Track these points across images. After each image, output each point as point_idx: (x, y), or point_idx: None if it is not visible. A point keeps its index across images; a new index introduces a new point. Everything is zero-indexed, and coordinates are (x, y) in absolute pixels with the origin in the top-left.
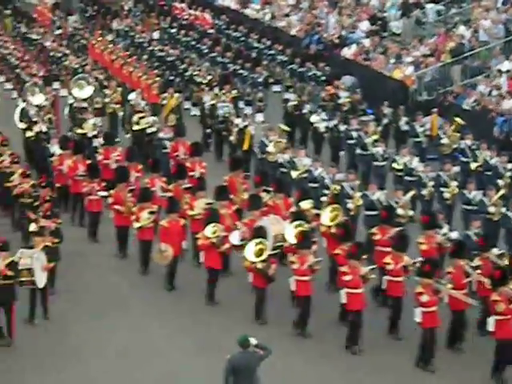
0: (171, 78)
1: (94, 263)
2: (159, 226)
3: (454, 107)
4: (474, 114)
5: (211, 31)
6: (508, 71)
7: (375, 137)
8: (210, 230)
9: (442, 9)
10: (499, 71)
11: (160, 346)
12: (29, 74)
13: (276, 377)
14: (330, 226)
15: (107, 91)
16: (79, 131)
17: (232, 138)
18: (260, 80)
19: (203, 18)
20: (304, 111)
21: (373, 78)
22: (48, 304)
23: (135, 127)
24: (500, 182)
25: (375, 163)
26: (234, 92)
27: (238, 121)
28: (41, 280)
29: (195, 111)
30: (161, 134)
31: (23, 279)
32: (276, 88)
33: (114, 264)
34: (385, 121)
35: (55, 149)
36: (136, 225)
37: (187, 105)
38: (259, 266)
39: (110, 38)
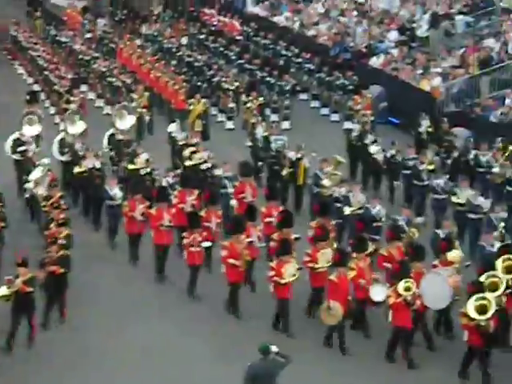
0: (198, 83)
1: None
2: (328, 280)
3: (480, 119)
4: (501, 126)
5: (240, 38)
6: None
7: (431, 167)
8: (402, 286)
9: (471, 20)
10: None
11: (180, 353)
12: (57, 76)
13: None
14: None
15: (134, 95)
16: (131, 167)
17: (284, 172)
18: (287, 88)
19: (232, 24)
20: (366, 141)
21: (400, 88)
22: (65, 310)
23: (187, 163)
24: None
25: (435, 196)
26: (261, 99)
27: (291, 154)
28: None
29: (221, 117)
30: (218, 172)
31: None
32: (303, 96)
33: None
34: (455, 154)
35: (116, 191)
36: (281, 281)
37: (214, 111)
38: (483, 323)
39: (138, 42)
